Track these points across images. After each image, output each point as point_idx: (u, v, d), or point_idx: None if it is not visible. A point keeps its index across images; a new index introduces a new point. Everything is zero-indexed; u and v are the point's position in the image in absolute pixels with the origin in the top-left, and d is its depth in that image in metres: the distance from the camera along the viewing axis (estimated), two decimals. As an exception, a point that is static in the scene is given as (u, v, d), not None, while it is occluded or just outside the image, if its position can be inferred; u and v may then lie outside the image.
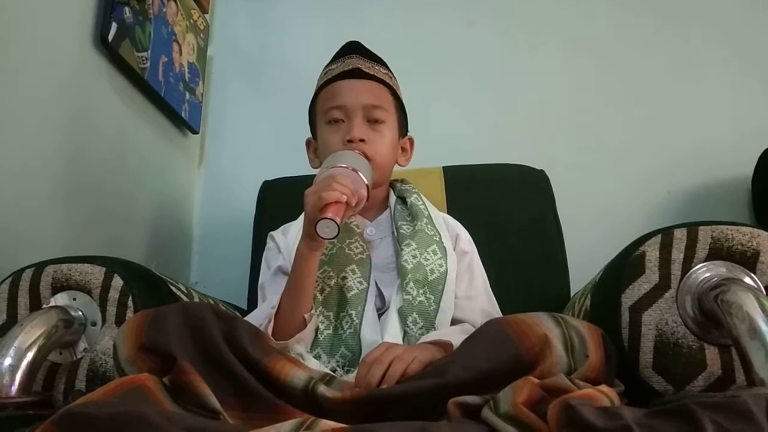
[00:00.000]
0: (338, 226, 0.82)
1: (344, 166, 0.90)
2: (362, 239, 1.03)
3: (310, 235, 0.87)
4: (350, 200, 0.86)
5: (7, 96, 1.04)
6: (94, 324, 0.88)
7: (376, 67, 1.09)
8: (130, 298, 0.87)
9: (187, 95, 1.68)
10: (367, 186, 0.91)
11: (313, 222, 0.83)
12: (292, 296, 0.91)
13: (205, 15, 1.83)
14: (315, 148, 1.12)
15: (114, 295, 0.87)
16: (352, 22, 1.76)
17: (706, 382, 0.72)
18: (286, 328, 0.89)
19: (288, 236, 1.07)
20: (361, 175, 0.90)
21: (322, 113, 1.07)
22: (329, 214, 0.82)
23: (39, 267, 0.90)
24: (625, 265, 0.79)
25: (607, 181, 1.66)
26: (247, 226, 1.45)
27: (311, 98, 1.12)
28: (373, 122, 1.05)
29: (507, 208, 1.37)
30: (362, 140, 1.01)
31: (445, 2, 1.84)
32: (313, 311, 0.92)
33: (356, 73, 1.06)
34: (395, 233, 1.05)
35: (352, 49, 1.10)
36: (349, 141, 1.01)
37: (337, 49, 1.13)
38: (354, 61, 1.08)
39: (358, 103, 1.03)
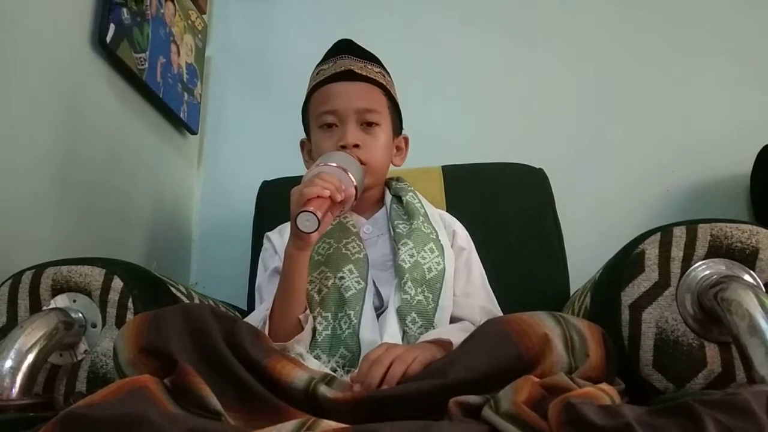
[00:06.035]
0: (318, 219, 0.81)
1: (333, 164, 0.90)
2: (359, 239, 1.02)
3: (294, 233, 0.87)
4: (334, 195, 0.85)
5: (4, 97, 1.04)
6: (94, 326, 0.88)
7: (369, 66, 1.08)
8: (131, 300, 0.87)
9: (186, 96, 1.68)
10: (356, 186, 0.91)
11: (294, 217, 0.83)
12: (284, 298, 0.91)
13: (203, 15, 1.82)
14: (309, 149, 1.12)
15: (114, 296, 0.87)
16: (349, 22, 1.76)
17: (707, 380, 0.73)
18: (281, 329, 0.89)
19: (284, 236, 1.05)
20: (349, 174, 0.90)
21: (315, 117, 1.06)
22: (310, 208, 0.82)
23: (39, 269, 0.90)
24: (624, 263, 0.79)
25: (606, 179, 1.66)
26: (247, 227, 1.45)
27: (304, 99, 1.12)
28: (366, 125, 1.04)
29: (506, 207, 1.37)
30: (356, 146, 1.01)
31: (442, 2, 1.84)
32: (307, 312, 0.92)
33: (348, 75, 1.05)
34: (391, 232, 1.05)
35: (344, 48, 1.09)
36: (343, 147, 1.00)
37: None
38: (346, 62, 1.06)
39: (351, 107, 1.03)
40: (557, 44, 1.77)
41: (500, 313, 1.00)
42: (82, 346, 0.88)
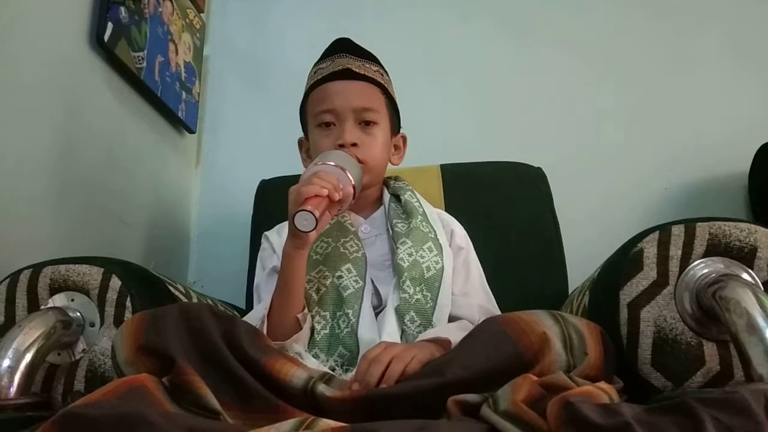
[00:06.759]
0: (316, 218, 0.81)
1: (331, 163, 0.90)
2: (357, 238, 1.02)
3: (292, 232, 0.87)
4: (332, 195, 0.85)
5: (2, 97, 1.04)
6: (92, 325, 0.88)
7: (367, 65, 1.08)
8: (129, 299, 0.87)
9: (184, 95, 1.67)
10: (354, 185, 0.91)
11: (292, 216, 0.83)
12: (281, 297, 0.91)
13: (201, 14, 1.82)
14: (307, 148, 1.12)
15: (112, 295, 0.87)
16: (348, 21, 1.76)
17: (705, 378, 0.72)
18: (280, 328, 0.89)
19: (282, 236, 1.05)
20: (348, 173, 0.90)
21: (313, 116, 1.06)
22: (308, 207, 0.82)
23: (37, 268, 0.90)
24: (623, 262, 0.79)
25: (605, 178, 1.66)
26: (245, 226, 1.45)
27: (302, 98, 1.12)
28: (364, 124, 1.04)
29: (505, 206, 1.37)
30: (354, 144, 1.01)
31: (441, 1, 1.84)
32: (305, 311, 0.92)
33: (346, 74, 1.05)
34: (390, 231, 1.05)
35: (342, 46, 1.09)
36: (341, 145, 1.00)
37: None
38: (344, 60, 1.06)
39: (349, 106, 1.02)
40: (556, 43, 1.77)
41: (499, 312, 1.01)
42: (80, 345, 0.88)
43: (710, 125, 1.66)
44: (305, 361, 0.79)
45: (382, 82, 1.09)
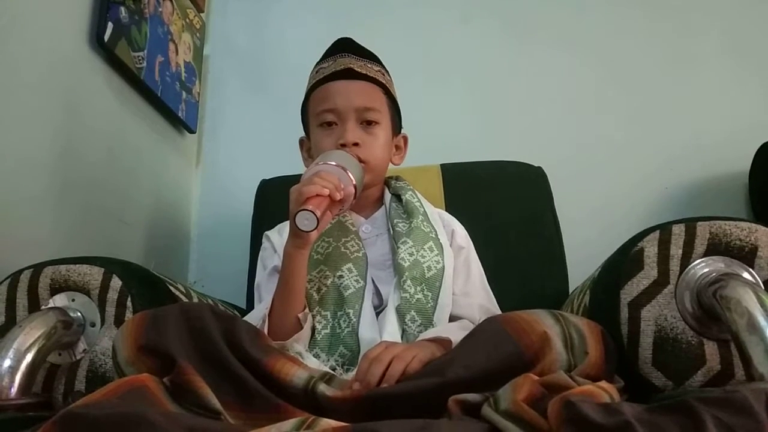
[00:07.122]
0: (317, 217, 0.81)
1: (333, 163, 0.90)
2: (358, 237, 1.03)
3: (293, 231, 0.87)
4: (333, 194, 0.85)
5: (2, 97, 1.04)
6: (93, 325, 0.88)
7: (369, 65, 1.08)
8: (129, 299, 0.87)
9: (184, 95, 1.67)
10: (355, 185, 0.91)
11: (293, 216, 0.83)
12: (282, 297, 0.91)
13: (201, 14, 1.82)
14: (308, 148, 1.12)
15: (113, 295, 0.87)
16: (348, 21, 1.76)
17: (706, 378, 0.72)
18: (281, 328, 0.89)
19: (283, 235, 1.05)
20: (349, 173, 0.90)
21: (315, 115, 1.06)
22: (309, 207, 0.82)
23: (37, 268, 0.90)
24: (623, 261, 0.79)
25: (605, 178, 1.66)
26: (246, 225, 1.45)
27: (303, 97, 1.12)
28: (366, 124, 1.04)
29: (505, 205, 1.37)
30: (356, 144, 1.01)
31: (441, 1, 1.84)
32: (306, 311, 0.92)
33: (348, 74, 1.05)
34: (391, 231, 1.05)
35: (344, 46, 1.09)
36: (343, 145, 1.00)
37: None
38: (346, 60, 1.06)
39: (351, 105, 1.03)
40: (556, 42, 1.77)
41: (499, 312, 1.01)
42: (81, 346, 0.88)
43: (710, 125, 1.66)
44: (306, 361, 0.79)
45: (384, 81, 1.09)
